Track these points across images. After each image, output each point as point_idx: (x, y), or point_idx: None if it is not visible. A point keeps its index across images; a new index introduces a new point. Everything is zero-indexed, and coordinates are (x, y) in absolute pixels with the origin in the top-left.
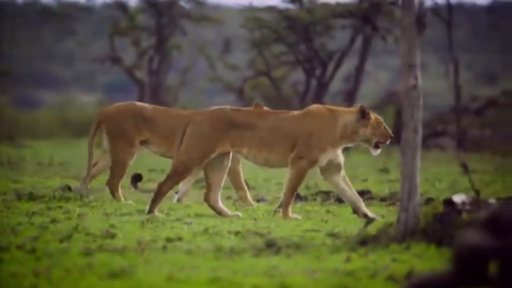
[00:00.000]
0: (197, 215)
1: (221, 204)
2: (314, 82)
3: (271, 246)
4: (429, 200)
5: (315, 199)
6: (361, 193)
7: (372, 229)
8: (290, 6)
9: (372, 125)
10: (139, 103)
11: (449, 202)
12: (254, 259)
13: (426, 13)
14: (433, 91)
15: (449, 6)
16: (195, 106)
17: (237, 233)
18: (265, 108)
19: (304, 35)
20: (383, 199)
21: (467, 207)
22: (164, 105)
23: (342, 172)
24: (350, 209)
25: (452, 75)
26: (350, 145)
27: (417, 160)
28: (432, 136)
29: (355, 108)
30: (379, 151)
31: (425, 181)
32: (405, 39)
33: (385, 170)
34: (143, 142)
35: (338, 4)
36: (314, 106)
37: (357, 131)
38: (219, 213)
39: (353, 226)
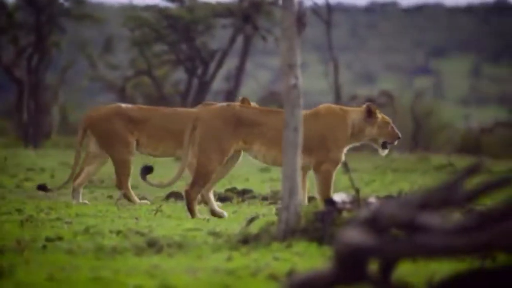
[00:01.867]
0: (77, 214)
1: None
2: (195, 81)
3: (153, 245)
4: (310, 199)
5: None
6: (243, 192)
7: (253, 228)
8: (171, 5)
9: (379, 125)
10: (123, 104)
11: (329, 201)
12: (136, 258)
13: (305, 13)
14: (314, 90)
15: (328, 6)
16: (76, 105)
17: (118, 233)
18: (253, 104)
19: (185, 34)
20: (264, 198)
21: (348, 205)
22: (46, 105)
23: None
24: (232, 208)
25: (331, 74)
26: (357, 144)
27: (297, 159)
28: None
29: (362, 107)
30: (386, 151)
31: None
32: (285, 39)
33: (266, 169)
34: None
35: (218, 3)
36: (324, 106)
37: (363, 130)
38: (206, 203)
39: (234, 225)
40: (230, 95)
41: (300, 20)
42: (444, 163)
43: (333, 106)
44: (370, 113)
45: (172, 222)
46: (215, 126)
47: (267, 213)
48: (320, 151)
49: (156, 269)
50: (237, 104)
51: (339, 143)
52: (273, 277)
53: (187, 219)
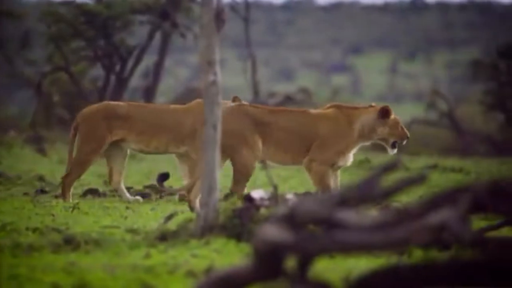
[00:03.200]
0: None
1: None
2: (113, 78)
3: (70, 242)
4: (228, 196)
5: (114, 195)
6: (161, 189)
7: (172, 225)
8: (88, 0)
9: (390, 125)
10: (112, 102)
11: (248, 198)
12: (53, 255)
13: (224, 10)
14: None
15: (246, 2)
16: None
17: (35, 230)
18: (244, 102)
19: (102, 30)
20: (183, 195)
21: (266, 202)
22: None
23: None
24: (150, 205)
25: (249, 71)
26: (367, 143)
27: (216, 156)
28: None
29: (374, 107)
30: (395, 150)
31: (224, 177)
32: (204, 36)
33: None
34: (120, 141)
35: (137, 0)
36: (333, 106)
37: (375, 130)
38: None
39: (152, 222)
40: (148, 92)
41: (219, 17)
42: (361, 159)
43: (343, 106)
44: (384, 114)
45: (89, 219)
46: (230, 126)
47: (185, 210)
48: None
49: (73, 267)
50: (247, 104)
51: (341, 146)
52: (191, 274)
53: (105, 216)
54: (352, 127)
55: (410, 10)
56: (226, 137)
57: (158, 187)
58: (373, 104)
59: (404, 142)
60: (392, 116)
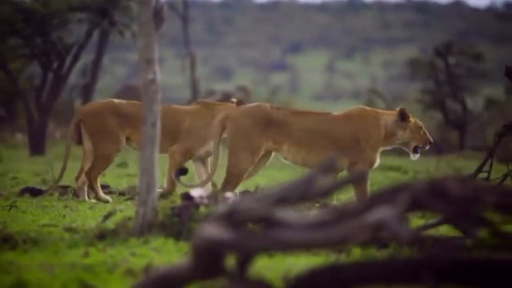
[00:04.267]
0: None
1: None
2: (51, 76)
3: (8, 241)
4: (163, 195)
5: (52, 194)
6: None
7: (110, 224)
8: None
9: (411, 129)
10: (116, 100)
11: (187, 196)
12: None
13: (163, 8)
14: (171, 85)
15: (184, 1)
16: None
17: None
18: (247, 104)
19: (40, 28)
20: (121, 193)
21: (205, 200)
22: None
23: None
24: (88, 204)
25: (188, 69)
26: (388, 147)
27: (155, 154)
28: None
29: (395, 111)
30: (418, 155)
31: (163, 175)
32: (143, 34)
33: (123, 164)
34: (126, 140)
35: None
36: (357, 108)
37: (395, 133)
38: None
39: (91, 221)
40: (86, 90)
41: (158, 15)
42: None
43: (367, 108)
44: (403, 117)
45: (27, 218)
46: (245, 126)
47: (124, 209)
48: (352, 153)
49: (11, 266)
50: (267, 104)
51: (373, 144)
52: (130, 272)
53: (43, 215)
54: (378, 127)
55: (348, 9)
56: (236, 136)
57: (175, 181)
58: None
59: (427, 147)
60: (413, 120)
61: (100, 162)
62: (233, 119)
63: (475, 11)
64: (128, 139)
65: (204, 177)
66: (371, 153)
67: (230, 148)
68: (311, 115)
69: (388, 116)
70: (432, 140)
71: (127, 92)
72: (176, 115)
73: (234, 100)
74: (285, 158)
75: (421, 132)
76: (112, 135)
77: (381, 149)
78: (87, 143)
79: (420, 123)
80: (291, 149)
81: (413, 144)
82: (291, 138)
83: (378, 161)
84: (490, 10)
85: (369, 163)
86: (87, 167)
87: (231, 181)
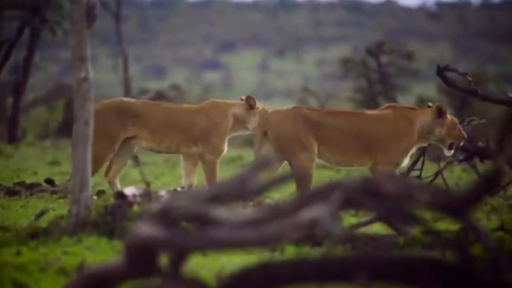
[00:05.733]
0: None
1: None
2: None
3: None
4: (100, 193)
5: None
6: (32, 186)
7: (43, 222)
8: None
9: (447, 126)
10: (126, 99)
11: (120, 195)
12: None
13: (95, 6)
14: (104, 83)
15: None
16: None
17: None
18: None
19: None
20: (54, 192)
21: (138, 199)
22: None
23: None
24: (20, 202)
25: (121, 68)
26: (424, 144)
27: (88, 152)
28: None
29: (431, 108)
30: (452, 152)
31: (97, 174)
32: (75, 32)
33: (55, 163)
34: (132, 138)
35: None
36: (390, 107)
37: (432, 131)
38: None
39: (23, 219)
40: (18, 87)
41: (90, 13)
42: (234, 156)
43: (399, 106)
44: (440, 114)
45: None
46: (286, 127)
47: (57, 207)
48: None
49: None
50: (304, 106)
51: (405, 144)
52: (63, 271)
53: None
54: (412, 128)
55: (280, 8)
56: (283, 141)
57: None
58: (429, 104)
59: (462, 144)
60: (449, 117)
61: (91, 164)
62: (273, 124)
63: (407, 10)
64: (135, 137)
65: (190, 175)
66: (398, 156)
67: (278, 153)
68: (345, 115)
69: (425, 114)
70: (466, 136)
71: (60, 90)
72: (188, 115)
73: (243, 98)
74: (320, 158)
75: (457, 129)
76: (108, 136)
77: (415, 146)
78: None
79: (455, 119)
80: (326, 150)
81: (449, 141)
82: (326, 139)
83: (407, 161)
84: (421, 10)
85: (395, 164)
86: (115, 160)
87: (302, 183)
